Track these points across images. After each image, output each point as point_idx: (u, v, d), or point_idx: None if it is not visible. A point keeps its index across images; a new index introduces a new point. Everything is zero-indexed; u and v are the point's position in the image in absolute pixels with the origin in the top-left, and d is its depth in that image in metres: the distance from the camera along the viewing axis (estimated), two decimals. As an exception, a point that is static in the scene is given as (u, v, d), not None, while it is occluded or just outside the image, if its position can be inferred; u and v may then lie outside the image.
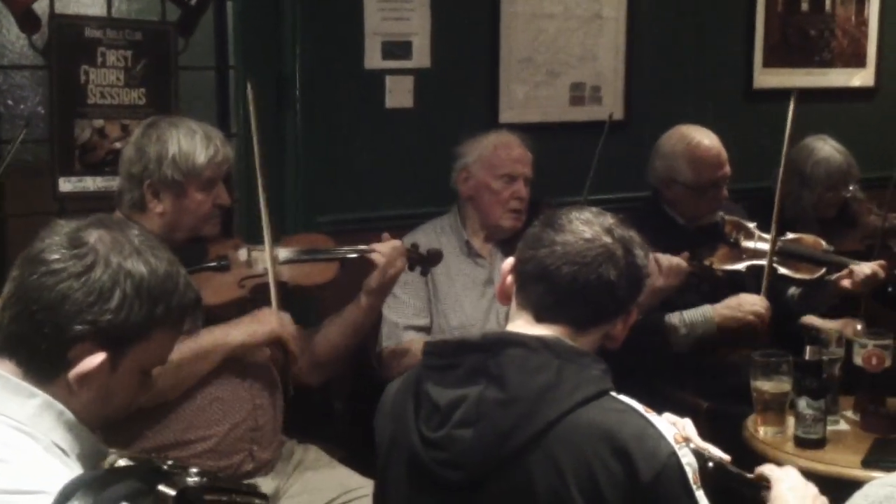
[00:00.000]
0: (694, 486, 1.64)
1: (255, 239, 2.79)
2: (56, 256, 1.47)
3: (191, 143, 2.60)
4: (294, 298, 2.79)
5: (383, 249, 2.75)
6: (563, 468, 1.63)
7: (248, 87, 2.78)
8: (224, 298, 2.64)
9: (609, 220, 1.80)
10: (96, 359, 1.47)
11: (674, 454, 1.63)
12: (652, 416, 1.68)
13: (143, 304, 1.49)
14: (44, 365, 1.47)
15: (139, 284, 1.49)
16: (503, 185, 3.23)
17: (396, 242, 2.81)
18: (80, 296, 1.46)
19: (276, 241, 2.79)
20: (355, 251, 2.78)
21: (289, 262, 2.75)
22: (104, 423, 1.57)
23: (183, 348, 2.44)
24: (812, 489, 1.77)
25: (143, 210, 2.61)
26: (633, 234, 1.80)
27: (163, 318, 1.52)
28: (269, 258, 2.66)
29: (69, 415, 1.48)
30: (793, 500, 1.74)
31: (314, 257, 2.78)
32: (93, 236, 1.50)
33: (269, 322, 2.58)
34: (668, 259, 3.07)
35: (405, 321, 3.13)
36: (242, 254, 2.73)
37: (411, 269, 2.89)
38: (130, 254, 1.50)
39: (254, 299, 2.67)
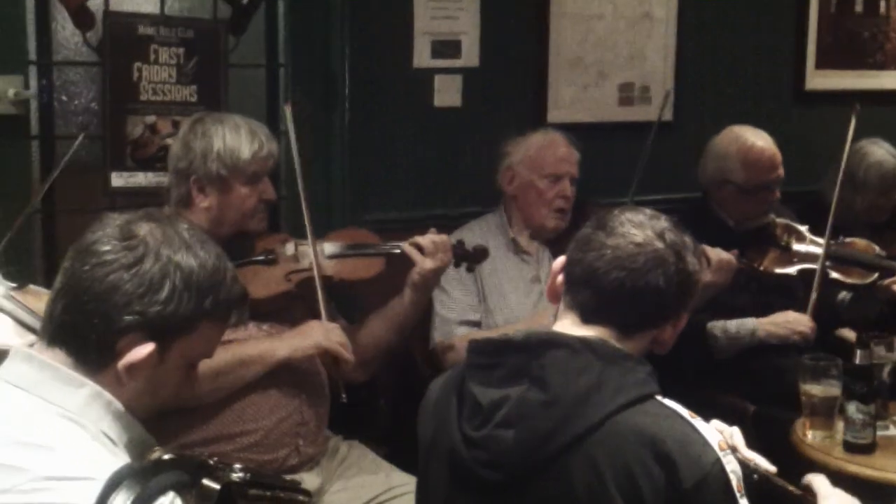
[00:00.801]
0: (738, 494, 1.62)
1: (301, 234, 2.80)
2: (107, 248, 1.49)
3: (236, 138, 2.62)
4: (339, 293, 2.80)
5: (425, 242, 2.75)
6: (603, 471, 1.62)
7: (288, 108, 2.78)
8: (271, 292, 2.65)
9: (662, 223, 1.77)
10: (144, 349, 1.49)
11: (718, 461, 1.61)
12: (697, 421, 1.66)
13: (192, 296, 1.51)
14: (93, 355, 1.49)
15: (188, 277, 1.51)
16: (548, 184, 3.22)
17: (440, 236, 2.80)
18: (131, 287, 1.48)
19: (322, 236, 2.81)
20: (400, 246, 2.78)
21: (334, 256, 2.76)
22: (150, 414, 1.59)
23: (226, 356, 2.46)
24: None
25: (190, 205, 2.63)
26: (687, 238, 1.77)
27: (210, 311, 1.53)
28: (312, 252, 2.67)
29: (117, 404, 1.50)
30: None
31: (359, 252, 2.79)
32: (143, 229, 1.52)
33: (313, 336, 2.58)
34: (717, 254, 3.05)
35: (457, 316, 3.13)
36: (289, 248, 2.74)
37: (457, 265, 2.88)
38: (180, 247, 1.52)
39: (300, 293, 2.69)
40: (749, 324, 3.22)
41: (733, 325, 3.22)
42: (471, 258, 2.91)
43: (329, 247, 2.77)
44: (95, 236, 1.51)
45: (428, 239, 2.76)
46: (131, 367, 1.49)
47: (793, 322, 3.20)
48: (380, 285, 2.82)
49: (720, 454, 1.62)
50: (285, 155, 3.05)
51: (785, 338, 3.20)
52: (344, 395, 2.64)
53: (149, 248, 1.50)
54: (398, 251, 2.78)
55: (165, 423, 2.44)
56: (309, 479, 2.59)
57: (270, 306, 2.65)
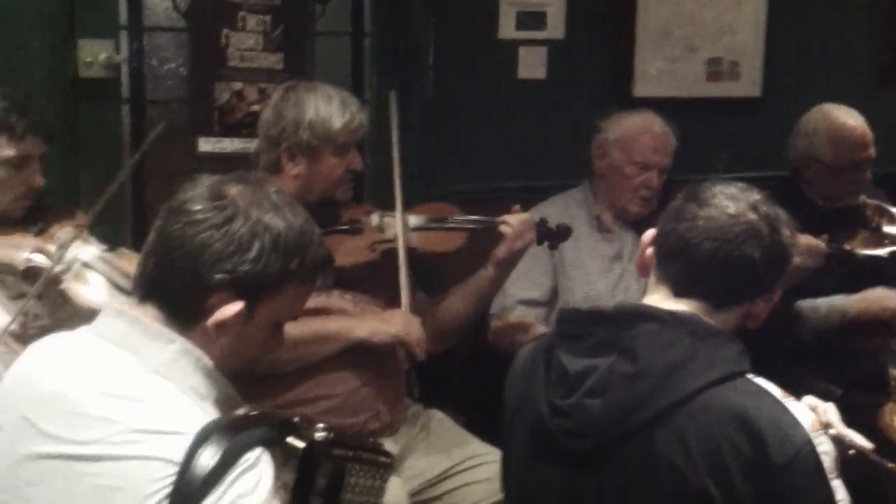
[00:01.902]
0: (830, 476, 1.59)
1: (384, 205, 2.81)
2: (198, 207, 1.51)
3: (328, 108, 2.64)
4: (421, 265, 2.81)
5: (513, 222, 2.74)
6: (690, 446, 1.60)
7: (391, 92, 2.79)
8: (355, 260, 2.67)
9: (755, 195, 1.74)
10: (234, 307, 1.51)
11: (809, 442, 1.59)
12: (789, 401, 1.64)
13: (280, 256, 1.52)
14: (183, 312, 1.51)
15: (276, 238, 1.52)
16: (636, 171, 3.17)
17: (526, 215, 2.79)
18: (220, 245, 1.50)
19: (406, 208, 2.82)
20: (484, 222, 2.78)
21: (418, 228, 2.77)
22: (235, 372, 1.61)
23: (307, 329, 2.48)
24: None
25: (279, 172, 2.66)
26: (780, 211, 1.75)
27: (296, 272, 1.55)
28: (399, 223, 2.69)
29: (206, 361, 1.52)
30: None
31: (443, 226, 2.79)
32: (233, 190, 1.54)
33: (394, 323, 2.59)
34: (805, 238, 3.00)
35: (517, 293, 3.10)
36: (374, 219, 2.76)
37: (539, 243, 2.88)
38: (269, 209, 1.53)
39: (383, 264, 2.70)
40: (839, 302, 3.16)
41: (822, 303, 3.16)
42: (553, 237, 2.90)
43: (413, 219, 2.78)
44: (187, 196, 1.54)
45: (516, 217, 2.76)
46: (220, 325, 1.51)
47: (883, 299, 3.14)
48: (460, 259, 2.83)
49: (812, 435, 1.60)
50: (377, 126, 3.06)
51: (876, 315, 3.13)
52: (417, 391, 2.66)
53: (238, 209, 1.52)
54: (482, 226, 2.78)
55: (248, 387, 2.49)
56: (389, 445, 2.59)
57: (354, 275, 2.67)
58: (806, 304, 3.16)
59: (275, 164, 2.66)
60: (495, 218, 2.78)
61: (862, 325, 3.18)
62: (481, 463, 2.64)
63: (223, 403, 1.54)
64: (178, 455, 1.38)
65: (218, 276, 1.49)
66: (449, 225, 2.80)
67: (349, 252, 2.67)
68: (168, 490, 1.37)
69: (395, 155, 2.79)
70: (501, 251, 2.74)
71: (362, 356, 2.64)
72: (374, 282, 2.72)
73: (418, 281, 2.83)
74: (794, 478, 1.57)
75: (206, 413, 1.47)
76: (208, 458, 1.37)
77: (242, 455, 1.39)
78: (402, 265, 2.65)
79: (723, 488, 1.58)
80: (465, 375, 3.39)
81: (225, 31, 3.20)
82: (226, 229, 1.50)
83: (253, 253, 1.50)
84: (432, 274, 2.96)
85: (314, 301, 2.56)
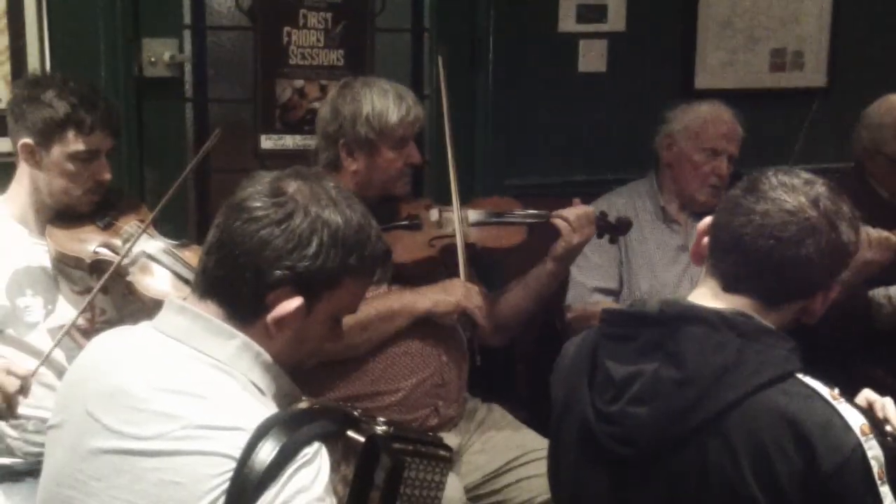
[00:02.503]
0: (878, 482, 1.54)
1: (444, 200, 2.82)
2: (258, 204, 1.53)
3: (384, 102, 2.65)
4: (481, 260, 2.82)
5: (571, 216, 2.73)
6: (738, 452, 1.57)
7: (439, 56, 2.81)
8: (414, 257, 2.68)
9: (818, 188, 1.66)
10: (293, 303, 1.52)
11: (859, 447, 1.54)
12: (840, 403, 1.59)
13: (338, 252, 1.53)
14: (244, 308, 1.53)
15: (335, 233, 1.53)
16: (705, 158, 3.16)
17: (586, 209, 2.78)
18: (280, 242, 1.51)
19: (466, 203, 2.82)
20: (543, 215, 2.78)
21: (478, 224, 2.77)
22: (295, 367, 1.62)
23: (371, 309, 2.51)
24: None
25: (338, 168, 2.68)
26: (844, 206, 1.67)
27: (355, 267, 1.56)
28: (457, 219, 2.69)
29: (266, 356, 1.53)
30: None
31: (503, 220, 2.79)
32: (292, 186, 1.55)
33: (455, 293, 2.61)
34: (877, 232, 2.94)
35: (593, 283, 3.12)
36: (433, 214, 2.77)
37: (600, 237, 2.87)
38: (327, 204, 1.54)
39: (443, 259, 2.71)
40: None
41: (894, 289, 3.10)
42: (614, 230, 2.88)
43: (473, 214, 2.78)
44: (246, 193, 1.55)
45: (573, 211, 2.74)
46: (280, 321, 1.52)
47: None
48: (521, 254, 2.83)
49: (862, 439, 1.55)
50: (437, 119, 3.06)
51: None
52: (478, 358, 2.65)
53: (298, 205, 1.53)
54: (542, 221, 2.77)
55: (310, 381, 2.52)
56: (448, 440, 2.60)
57: (413, 271, 2.68)
58: (878, 293, 3.11)
59: (334, 160, 2.68)
60: (555, 212, 2.77)
61: None
62: (540, 457, 2.62)
63: (283, 398, 1.56)
64: (237, 451, 1.39)
65: (278, 273, 1.50)
66: (509, 219, 2.80)
67: (408, 248, 2.68)
68: (227, 485, 1.38)
69: (448, 146, 2.79)
70: (560, 246, 2.74)
71: (426, 350, 2.66)
72: (433, 278, 2.72)
73: (478, 276, 2.83)
74: (843, 485, 1.53)
75: (266, 408, 1.48)
76: (267, 453, 1.38)
77: (301, 450, 1.41)
78: (460, 250, 2.65)
79: (771, 495, 1.55)
80: (526, 369, 3.39)
81: (286, 28, 3.23)
82: (285, 226, 1.51)
83: (312, 249, 1.51)
84: (492, 269, 2.97)
85: (370, 293, 2.59)
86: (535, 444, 2.67)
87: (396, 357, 2.63)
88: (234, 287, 1.52)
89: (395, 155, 2.67)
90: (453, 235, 2.70)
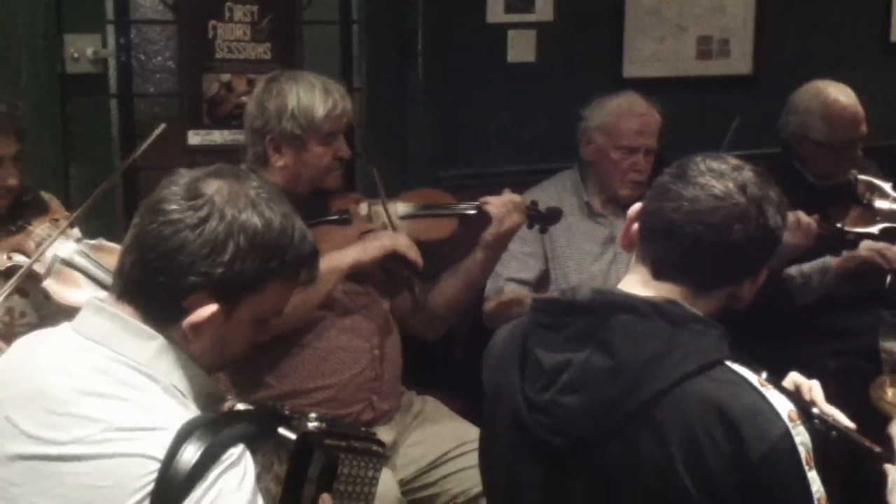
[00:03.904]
0: (806, 468, 1.55)
1: (377, 193, 2.81)
2: (174, 207, 1.49)
3: (310, 96, 2.63)
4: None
5: (500, 203, 2.74)
6: (668, 440, 1.57)
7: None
8: None
9: (746, 174, 1.66)
10: (208, 310, 1.49)
11: (786, 433, 1.55)
12: (767, 390, 1.59)
13: (257, 256, 1.50)
14: (160, 311, 1.50)
15: (253, 238, 1.49)
16: (622, 156, 3.16)
17: (515, 197, 2.79)
18: (195, 247, 1.47)
19: (397, 195, 2.81)
20: (473, 206, 2.78)
21: (408, 217, 2.77)
22: (220, 368, 1.60)
23: None
24: None
25: (266, 164, 2.65)
26: (772, 191, 1.67)
27: (277, 271, 1.53)
28: (384, 213, 2.68)
29: (186, 357, 1.51)
30: None
31: (433, 212, 2.79)
32: (211, 187, 1.51)
33: (380, 239, 2.60)
34: (797, 216, 2.99)
35: (507, 273, 3.10)
36: (363, 208, 2.76)
37: (530, 226, 2.88)
38: (246, 206, 1.51)
39: None
40: (825, 261, 3.16)
41: (809, 266, 3.16)
42: (544, 219, 2.89)
43: (403, 207, 2.78)
44: (163, 194, 1.52)
45: (503, 200, 2.75)
46: (195, 327, 1.49)
47: (865, 244, 3.12)
48: (453, 245, 2.83)
49: (790, 426, 1.56)
50: (367, 113, 3.05)
51: (862, 260, 3.12)
52: (419, 295, 2.64)
53: (214, 208, 1.49)
54: (472, 211, 2.78)
55: (241, 380, 2.50)
56: (383, 434, 2.60)
57: None
58: (791, 268, 3.16)
59: (262, 156, 2.65)
60: (484, 201, 2.78)
61: (853, 285, 3.16)
62: (475, 448, 2.61)
63: (206, 399, 1.53)
64: (161, 451, 1.37)
65: (193, 279, 1.47)
66: (439, 211, 2.80)
67: (339, 243, 2.66)
68: (151, 487, 1.36)
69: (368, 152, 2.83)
70: (490, 233, 2.74)
71: (359, 344, 2.65)
72: (367, 274, 2.72)
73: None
74: (771, 471, 1.54)
75: (188, 410, 1.46)
76: (191, 454, 1.36)
77: (225, 451, 1.39)
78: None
79: (701, 483, 1.55)
80: (462, 361, 3.39)
81: (212, 22, 3.20)
82: (200, 230, 1.48)
83: (228, 254, 1.48)
84: (425, 261, 2.96)
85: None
86: (470, 436, 2.66)
87: (329, 352, 2.62)
88: (150, 290, 1.50)
89: (323, 149, 2.65)
90: (384, 229, 2.68)
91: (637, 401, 1.58)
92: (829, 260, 3.17)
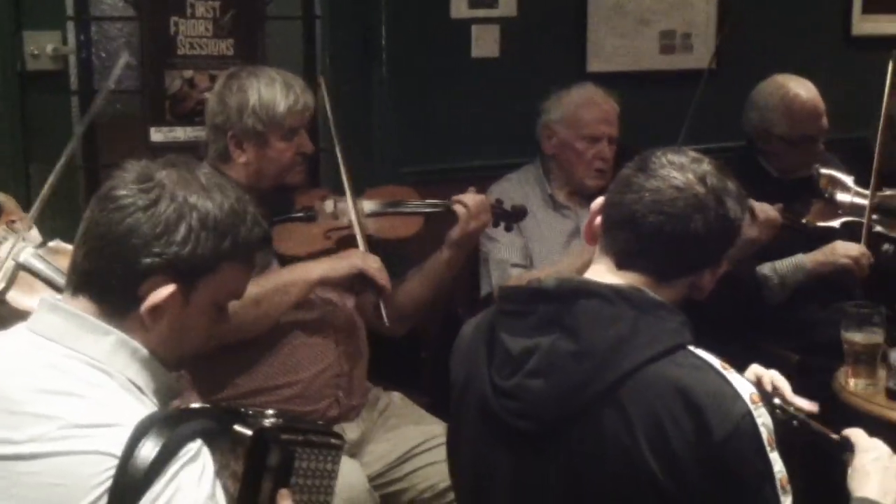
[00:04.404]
0: (768, 448, 1.59)
1: (340, 189, 2.80)
2: (124, 192, 1.49)
3: (271, 92, 2.61)
4: (378, 251, 2.80)
5: (468, 202, 2.74)
6: (633, 422, 1.59)
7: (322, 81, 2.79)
8: (311, 249, 2.66)
9: (705, 166, 1.71)
10: (166, 290, 1.49)
11: (749, 414, 1.58)
12: (729, 373, 1.63)
13: (210, 236, 1.50)
14: (117, 301, 1.49)
15: (205, 218, 1.50)
16: (586, 145, 3.18)
17: (481, 196, 2.80)
18: (147, 228, 1.47)
19: (361, 191, 2.80)
20: (440, 204, 2.78)
21: (374, 214, 2.76)
22: (181, 360, 1.59)
23: (263, 282, 2.47)
24: None
25: (228, 160, 2.63)
26: (730, 183, 1.72)
27: (230, 252, 1.53)
28: (352, 210, 2.68)
29: (143, 352, 1.50)
30: (874, 472, 1.70)
31: (399, 210, 2.79)
32: (160, 173, 1.52)
33: (350, 258, 2.58)
34: (761, 208, 3.01)
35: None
36: (329, 205, 2.75)
37: (495, 224, 2.89)
38: (197, 189, 1.51)
39: (340, 251, 2.68)
40: (796, 259, 3.18)
41: (781, 264, 3.18)
42: (509, 217, 2.91)
43: (368, 204, 2.77)
44: (114, 182, 1.52)
45: (470, 198, 2.76)
46: (154, 310, 1.49)
47: (839, 248, 3.15)
48: (419, 243, 2.83)
49: (751, 407, 1.59)
50: (323, 106, 3.04)
51: (835, 265, 3.14)
52: (387, 321, 2.60)
53: (164, 190, 1.49)
54: (438, 209, 2.78)
55: (206, 377, 2.49)
56: (350, 430, 2.62)
57: None
58: (765, 267, 3.18)
59: (223, 152, 2.63)
60: (451, 200, 2.78)
61: (822, 288, 3.19)
62: (442, 443, 2.61)
63: (164, 394, 1.53)
64: (118, 448, 1.36)
65: (147, 261, 1.47)
66: (405, 209, 2.79)
67: (303, 241, 2.65)
68: (109, 483, 1.35)
69: (336, 144, 2.78)
70: (456, 232, 2.75)
71: (325, 340, 2.64)
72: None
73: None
74: (734, 451, 1.57)
75: (145, 405, 1.46)
76: (149, 450, 1.36)
77: (183, 447, 1.38)
78: (360, 239, 2.63)
79: (665, 465, 1.57)
80: (430, 357, 3.39)
81: (173, 18, 3.18)
82: (151, 211, 1.48)
83: (181, 234, 1.48)
84: (389, 259, 2.96)
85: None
86: (437, 431, 2.67)
87: (295, 349, 2.61)
88: (105, 280, 1.49)
89: (285, 145, 2.63)
90: (349, 227, 2.68)
91: (602, 384, 1.61)
92: (804, 259, 3.19)
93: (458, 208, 2.74)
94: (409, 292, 2.81)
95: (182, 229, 1.48)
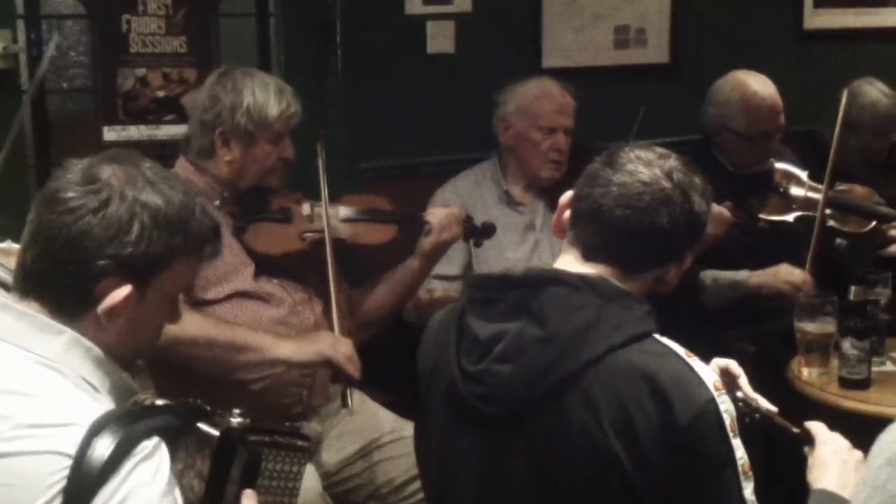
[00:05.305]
0: (731, 434, 1.62)
1: (306, 191, 2.80)
2: (72, 194, 1.47)
3: (265, 94, 2.63)
4: (349, 256, 2.82)
5: (440, 215, 2.80)
6: (598, 407, 1.62)
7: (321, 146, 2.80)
8: (284, 249, 2.68)
9: (672, 162, 1.74)
10: (123, 291, 1.48)
11: (712, 400, 1.61)
12: (693, 360, 1.66)
13: (162, 234, 1.49)
14: (70, 302, 1.48)
15: (156, 215, 1.49)
16: (543, 136, 3.20)
17: (454, 210, 2.85)
18: (100, 231, 1.46)
19: (338, 199, 2.82)
20: (413, 215, 2.83)
21: (349, 220, 2.78)
22: (137, 355, 1.59)
23: (228, 332, 2.47)
24: (856, 455, 1.74)
25: (212, 156, 2.64)
26: (696, 178, 1.75)
27: (182, 247, 1.53)
28: (325, 215, 2.69)
29: (97, 350, 1.49)
30: (833, 465, 1.72)
31: (373, 218, 2.81)
32: (106, 172, 1.50)
33: (319, 343, 2.53)
34: (712, 206, 3.03)
35: (434, 270, 3.07)
36: (305, 208, 2.76)
37: (465, 239, 2.92)
38: (144, 186, 1.50)
39: (313, 254, 2.70)
40: (740, 276, 3.21)
41: (725, 276, 3.21)
42: (478, 233, 2.95)
43: (344, 210, 2.80)
44: (59, 184, 1.49)
45: (444, 212, 2.82)
46: (111, 311, 1.48)
47: (783, 274, 3.19)
48: (389, 251, 2.86)
49: (714, 394, 1.62)
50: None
51: (774, 289, 3.18)
52: (351, 408, 2.54)
53: (113, 190, 1.48)
54: (412, 220, 2.82)
55: (171, 376, 2.47)
56: (309, 428, 2.60)
57: (282, 263, 2.67)
58: (707, 275, 3.20)
59: (208, 148, 2.64)
60: (424, 211, 2.85)
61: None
62: (398, 438, 2.65)
63: (119, 393, 1.51)
64: (72, 447, 1.35)
65: (101, 263, 1.46)
66: (379, 217, 2.82)
67: (277, 240, 2.67)
68: (63, 483, 1.34)
69: (320, 155, 2.78)
70: (428, 243, 2.79)
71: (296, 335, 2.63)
72: (302, 270, 2.72)
73: (346, 271, 2.83)
74: (698, 436, 1.60)
75: (101, 404, 1.44)
76: (104, 448, 1.34)
77: (139, 444, 1.37)
78: (330, 269, 2.63)
79: (630, 448, 1.60)
80: (387, 353, 3.39)
81: (126, 16, 3.16)
82: (103, 213, 1.46)
83: (134, 234, 1.47)
84: (359, 265, 2.97)
85: (240, 284, 2.55)
86: (394, 427, 2.68)
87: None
88: (58, 282, 1.47)
89: (271, 148, 2.66)
90: (323, 230, 2.68)
91: (567, 369, 1.63)
92: (746, 277, 3.21)
93: (433, 219, 2.79)
94: (376, 301, 2.85)
95: (135, 229, 1.47)
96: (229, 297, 2.57)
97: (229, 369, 2.50)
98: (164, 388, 2.44)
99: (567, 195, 1.80)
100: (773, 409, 1.84)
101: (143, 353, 1.59)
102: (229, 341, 2.48)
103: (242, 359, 2.50)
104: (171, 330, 2.32)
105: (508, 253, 3.18)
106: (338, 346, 2.51)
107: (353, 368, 2.50)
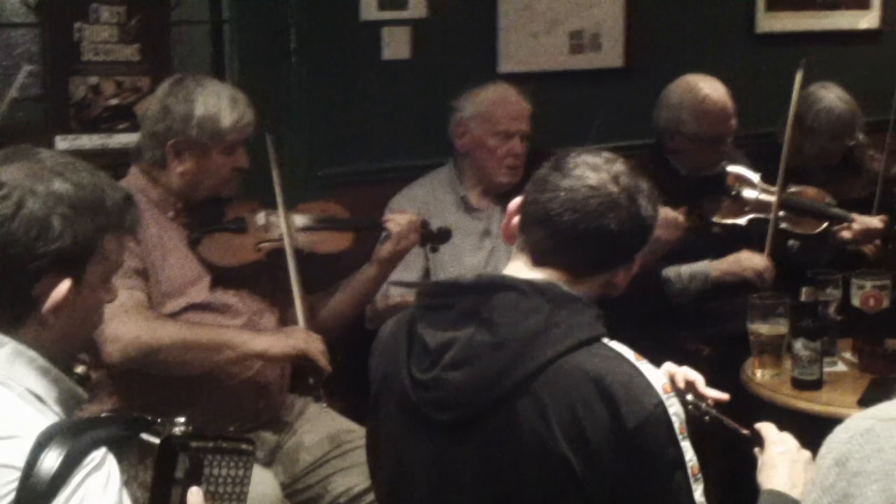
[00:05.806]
0: (680, 437, 1.63)
1: (261, 199, 2.79)
2: None
3: (217, 104, 2.59)
4: (306, 264, 2.80)
5: (399, 222, 2.79)
6: (548, 412, 1.63)
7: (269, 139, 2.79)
8: (240, 260, 2.66)
9: (618, 166, 1.75)
10: (63, 286, 1.47)
11: (660, 404, 1.63)
12: (642, 364, 1.67)
13: (84, 219, 1.49)
14: (8, 310, 1.47)
15: (72, 203, 1.48)
16: (499, 141, 3.21)
17: (412, 217, 2.84)
18: (22, 234, 1.45)
19: (292, 207, 2.80)
20: (371, 222, 2.83)
21: (305, 228, 2.77)
22: (84, 345, 1.59)
23: (202, 333, 2.47)
24: (805, 455, 1.75)
25: (164, 168, 2.61)
26: (643, 183, 1.77)
27: (106, 224, 1.52)
28: (284, 226, 2.67)
29: (41, 360, 1.48)
30: (782, 465, 1.74)
31: (330, 225, 2.80)
32: (8, 174, 1.48)
33: (294, 337, 2.54)
34: (665, 211, 3.05)
35: (392, 276, 3.09)
36: (260, 218, 2.74)
37: (422, 245, 2.92)
38: (51, 177, 1.49)
39: (269, 264, 2.69)
40: (702, 266, 3.23)
41: (685, 269, 3.23)
42: (435, 239, 2.95)
43: (300, 218, 2.78)
44: None
45: (399, 218, 2.81)
46: (56, 308, 1.47)
47: (744, 260, 3.22)
48: (346, 258, 2.85)
49: (663, 397, 1.64)
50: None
51: (738, 276, 3.21)
52: (323, 402, 2.60)
53: (21, 190, 1.46)
54: (368, 226, 2.82)
55: (123, 390, 2.45)
56: (265, 438, 2.61)
57: (238, 274, 2.66)
58: (670, 270, 3.23)
59: (160, 160, 2.61)
60: (381, 218, 2.85)
61: (726, 286, 3.25)
62: (356, 447, 2.63)
63: (66, 402, 1.51)
64: (20, 460, 1.34)
65: (34, 265, 1.45)
66: (335, 225, 2.81)
67: (234, 252, 2.65)
68: (12, 497, 1.33)
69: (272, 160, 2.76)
70: (385, 250, 2.79)
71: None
72: (259, 280, 2.71)
73: (302, 279, 2.81)
74: (647, 439, 1.61)
75: (45, 416, 1.43)
76: (52, 460, 1.34)
77: (87, 455, 1.37)
78: (293, 275, 2.63)
79: (580, 453, 1.61)
80: (346, 360, 3.38)
81: (77, 24, 3.12)
82: (19, 217, 1.45)
83: (57, 228, 1.46)
84: (316, 272, 2.96)
85: (197, 296, 2.53)
86: (352, 435, 2.67)
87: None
88: None
89: (224, 159, 2.63)
90: (280, 240, 2.67)
91: (518, 375, 1.64)
92: (708, 267, 3.24)
93: (391, 226, 2.79)
94: (334, 308, 2.84)
95: (56, 223, 1.46)
96: (185, 309, 2.55)
97: (209, 369, 2.49)
98: (134, 401, 2.42)
99: (516, 201, 1.82)
100: (725, 397, 1.85)
101: (89, 341, 1.59)
102: (205, 341, 2.47)
103: (221, 357, 2.49)
104: (146, 340, 2.35)
105: (465, 259, 3.19)
106: (311, 341, 2.53)
107: (325, 362, 2.53)
